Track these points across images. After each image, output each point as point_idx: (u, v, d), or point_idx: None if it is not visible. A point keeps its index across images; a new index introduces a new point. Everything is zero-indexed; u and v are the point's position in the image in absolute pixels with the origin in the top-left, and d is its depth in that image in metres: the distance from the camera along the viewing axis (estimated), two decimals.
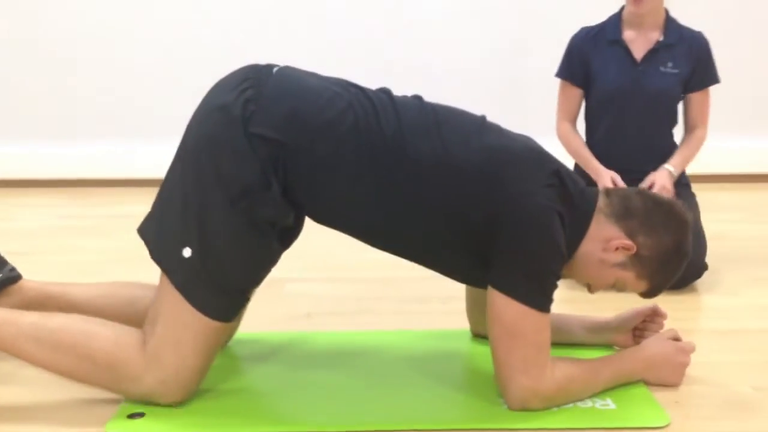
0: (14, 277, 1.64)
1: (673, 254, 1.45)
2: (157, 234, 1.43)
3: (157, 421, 1.38)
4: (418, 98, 1.51)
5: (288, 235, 1.49)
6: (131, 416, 1.39)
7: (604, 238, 1.45)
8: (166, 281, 1.40)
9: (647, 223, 1.44)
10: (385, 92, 1.49)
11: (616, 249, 1.43)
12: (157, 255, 1.42)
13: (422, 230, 1.42)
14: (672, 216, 1.47)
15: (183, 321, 1.39)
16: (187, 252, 1.37)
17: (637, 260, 1.44)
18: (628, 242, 1.43)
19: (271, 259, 1.47)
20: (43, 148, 3.54)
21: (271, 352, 1.70)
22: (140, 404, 1.42)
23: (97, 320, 1.45)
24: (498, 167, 1.39)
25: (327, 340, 1.78)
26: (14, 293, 1.62)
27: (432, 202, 1.39)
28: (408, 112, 1.43)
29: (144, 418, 1.39)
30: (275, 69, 1.47)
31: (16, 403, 1.46)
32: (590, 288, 1.53)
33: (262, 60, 1.49)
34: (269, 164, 1.36)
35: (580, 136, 2.38)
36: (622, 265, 1.45)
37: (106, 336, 1.41)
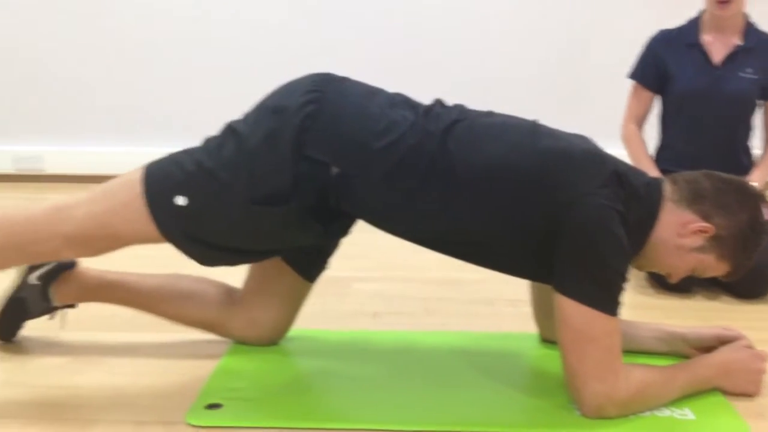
0: (69, 263, 1.65)
1: (750, 231, 1.43)
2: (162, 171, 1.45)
3: (233, 412, 1.41)
4: (464, 109, 1.50)
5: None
6: (209, 407, 1.42)
7: (679, 224, 1.43)
8: None
9: (720, 203, 1.43)
10: (436, 106, 1.49)
11: (694, 233, 1.42)
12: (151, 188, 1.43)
13: (484, 238, 1.42)
14: (743, 192, 1.45)
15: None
16: (181, 200, 1.40)
17: (716, 242, 1.43)
18: (705, 225, 1.42)
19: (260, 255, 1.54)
20: (106, 146, 3.64)
21: (340, 350, 1.72)
22: (218, 396, 1.46)
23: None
24: (553, 171, 1.38)
25: (394, 339, 1.79)
26: (72, 280, 1.66)
27: (491, 211, 1.39)
28: (460, 124, 1.43)
29: (222, 409, 1.42)
30: (342, 85, 1.48)
31: (100, 390, 1.51)
32: (670, 276, 1.51)
33: (303, 65, 1.52)
34: (308, 181, 1.38)
35: (644, 141, 2.34)
36: (701, 249, 1.43)
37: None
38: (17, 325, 1.70)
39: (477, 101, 1.56)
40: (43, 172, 3.64)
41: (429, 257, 1.50)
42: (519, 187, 1.38)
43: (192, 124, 3.51)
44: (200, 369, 1.59)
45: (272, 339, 1.70)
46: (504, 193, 1.38)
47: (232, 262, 1.53)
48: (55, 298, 1.66)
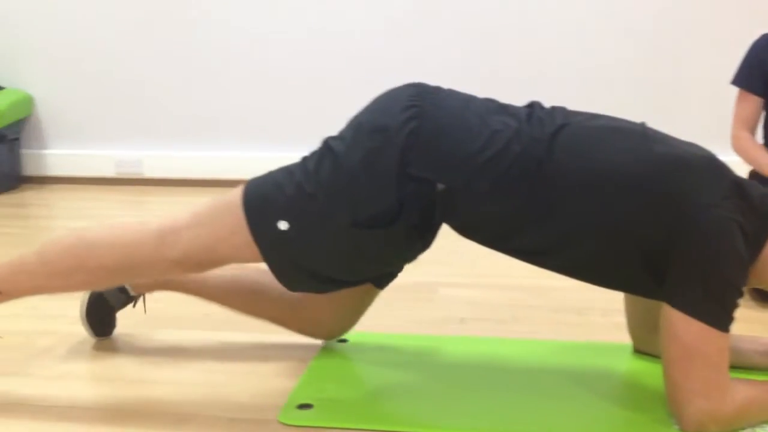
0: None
1: None
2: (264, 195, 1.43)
3: (324, 413, 1.44)
4: (567, 111, 1.46)
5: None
6: (300, 407, 1.45)
7: None
8: None
9: None
10: (536, 109, 1.45)
11: None
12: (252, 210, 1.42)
13: (590, 249, 1.37)
14: None
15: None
16: (283, 225, 1.39)
17: None
18: None
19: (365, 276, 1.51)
20: (200, 151, 3.77)
21: (427, 355, 1.72)
22: (308, 396, 1.48)
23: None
24: (672, 179, 1.33)
25: (482, 345, 1.77)
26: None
27: (601, 220, 1.34)
28: (567, 129, 1.39)
29: (312, 409, 1.44)
30: (438, 96, 1.45)
31: (195, 387, 1.56)
32: None
33: (403, 73, 1.50)
34: (413, 201, 1.36)
35: (762, 146, 2.24)
36: None
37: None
38: (108, 320, 1.79)
39: (566, 103, 1.53)
40: (142, 176, 3.80)
41: (517, 263, 1.48)
42: (633, 195, 1.33)
43: (287, 130, 3.62)
44: (292, 369, 1.62)
45: (333, 337, 1.73)
46: (617, 202, 1.33)
47: (324, 289, 1.53)
48: (131, 289, 1.75)
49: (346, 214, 1.37)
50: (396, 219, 1.36)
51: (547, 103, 1.48)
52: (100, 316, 1.78)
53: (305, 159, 1.45)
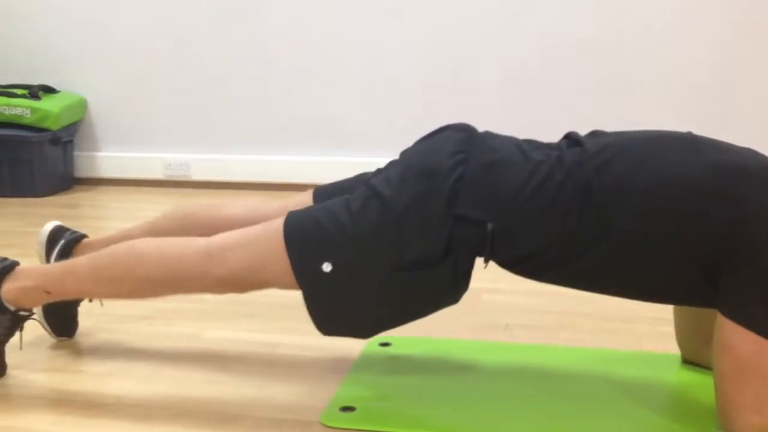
0: (78, 237, 1.81)
1: None
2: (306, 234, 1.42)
3: (366, 416, 1.44)
4: (605, 132, 1.45)
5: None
6: (343, 409, 1.46)
7: None
8: None
9: None
10: (574, 136, 1.45)
11: None
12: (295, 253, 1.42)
13: (645, 264, 1.34)
14: None
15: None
16: (327, 267, 1.39)
17: None
18: None
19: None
20: (245, 154, 3.82)
21: (471, 360, 1.70)
22: (351, 399, 1.49)
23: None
24: (730, 186, 1.29)
25: (526, 352, 1.76)
26: (82, 251, 1.76)
27: (656, 232, 1.31)
28: (613, 144, 1.38)
29: (355, 412, 1.45)
30: (483, 140, 1.46)
31: (241, 387, 1.58)
32: None
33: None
34: (462, 242, 1.35)
35: None
36: None
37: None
38: (67, 315, 1.79)
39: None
40: (189, 179, 3.87)
41: None
42: (688, 204, 1.30)
43: (335, 135, 3.64)
44: (335, 372, 1.63)
45: None
46: (670, 212, 1.30)
47: (355, 333, 1.52)
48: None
49: (392, 257, 1.37)
50: (443, 260, 1.36)
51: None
52: (56, 311, 1.75)
53: (348, 200, 1.44)
